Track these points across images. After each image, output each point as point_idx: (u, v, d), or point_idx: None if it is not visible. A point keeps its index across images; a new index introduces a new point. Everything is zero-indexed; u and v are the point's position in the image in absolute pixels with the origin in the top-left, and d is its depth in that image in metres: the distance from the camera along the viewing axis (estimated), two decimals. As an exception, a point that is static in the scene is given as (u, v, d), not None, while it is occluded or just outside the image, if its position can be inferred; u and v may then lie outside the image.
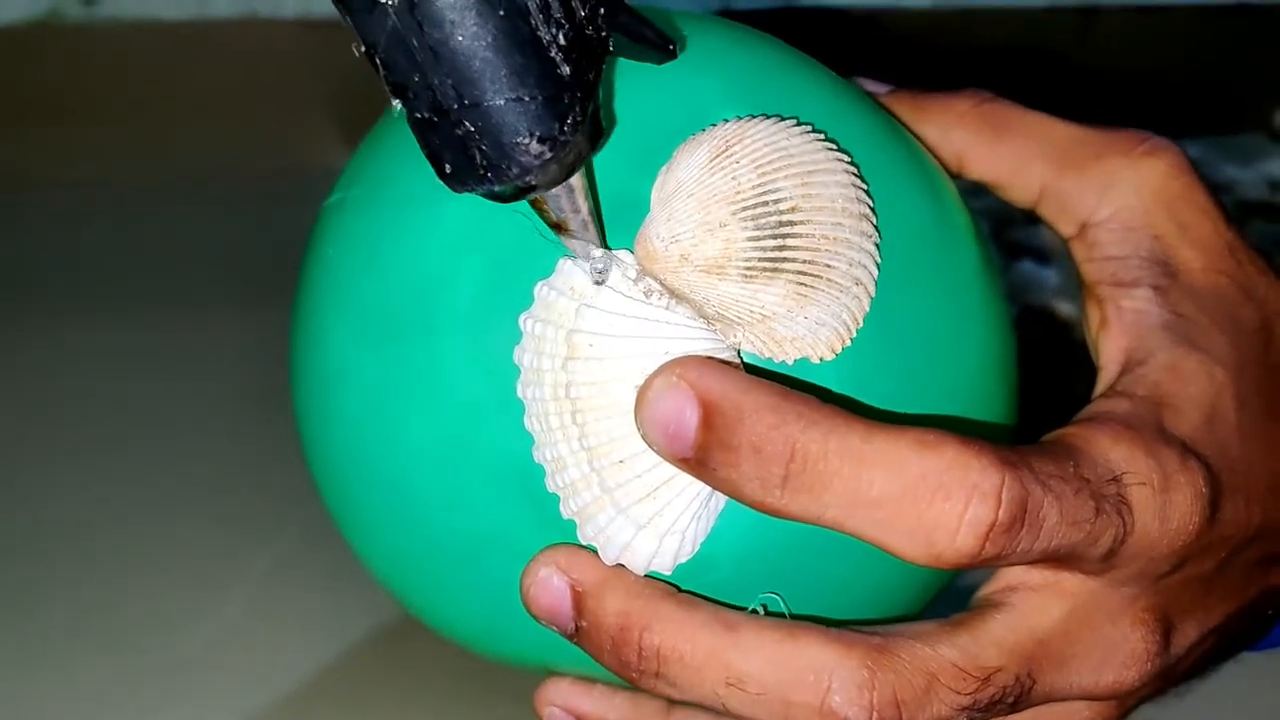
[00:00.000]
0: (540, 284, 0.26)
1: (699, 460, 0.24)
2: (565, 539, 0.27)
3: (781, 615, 0.27)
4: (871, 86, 0.33)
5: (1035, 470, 0.24)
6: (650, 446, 0.25)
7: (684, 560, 0.26)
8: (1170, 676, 0.29)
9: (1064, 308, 0.63)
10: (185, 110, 0.76)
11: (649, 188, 0.26)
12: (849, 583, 0.28)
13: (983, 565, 0.25)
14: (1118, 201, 0.30)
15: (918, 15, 0.85)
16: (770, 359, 0.26)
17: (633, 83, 0.27)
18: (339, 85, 0.79)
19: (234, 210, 0.76)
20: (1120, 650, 0.27)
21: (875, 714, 0.25)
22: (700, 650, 0.25)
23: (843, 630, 0.26)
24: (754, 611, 0.27)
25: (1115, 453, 0.26)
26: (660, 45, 0.26)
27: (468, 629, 0.30)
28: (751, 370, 0.26)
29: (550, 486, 0.27)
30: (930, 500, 0.24)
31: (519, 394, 0.26)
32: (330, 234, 0.30)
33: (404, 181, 0.28)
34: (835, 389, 0.26)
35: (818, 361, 0.26)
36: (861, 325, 0.26)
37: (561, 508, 0.27)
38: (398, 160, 0.29)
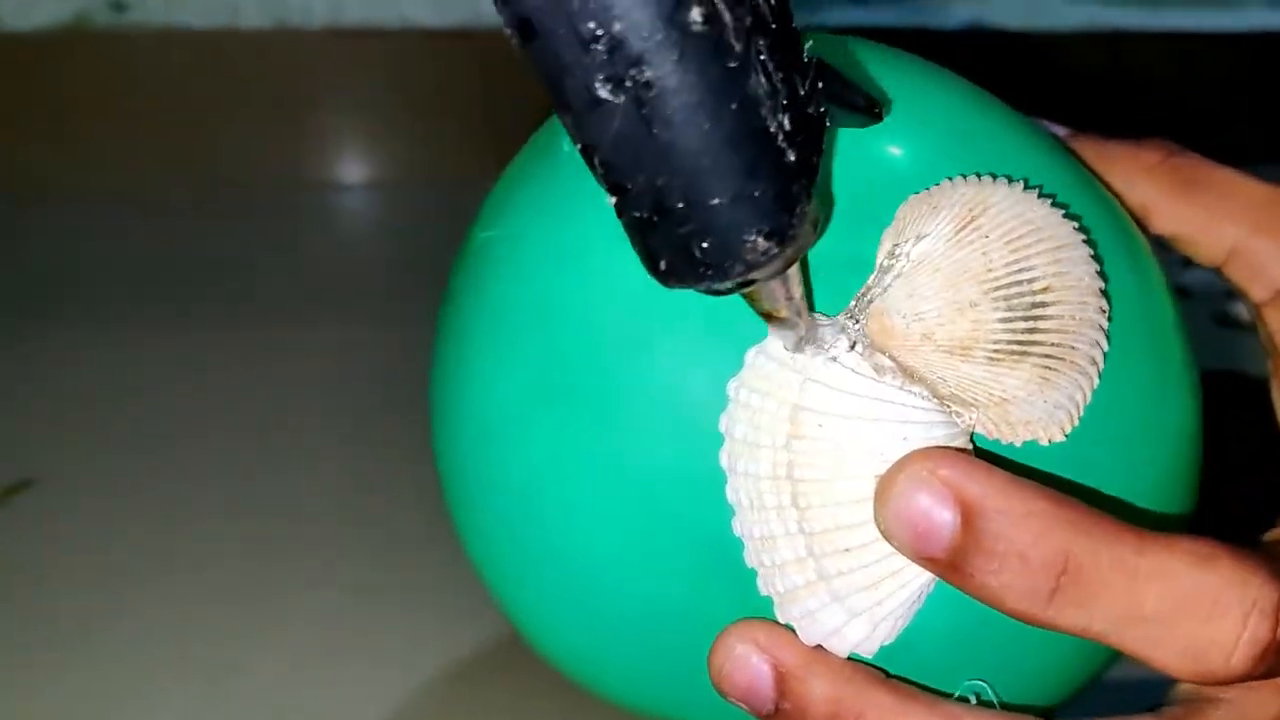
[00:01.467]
0: (753, 350, 0.25)
1: (952, 564, 0.23)
2: (755, 615, 0.25)
3: (991, 705, 0.26)
4: (1051, 129, 0.31)
5: None
6: (890, 542, 0.23)
7: (887, 643, 0.25)
8: None
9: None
10: (213, 117, 0.77)
11: (860, 246, 0.25)
12: (1039, 667, 0.27)
13: (1254, 679, 0.24)
14: None
15: (946, 36, 0.85)
16: (998, 439, 0.25)
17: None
18: (368, 94, 0.80)
19: (255, 217, 0.77)
20: None
21: None
22: None
23: None
24: (963, 699, 0.26)
25: None
26: (868, 110, 0.25)
27: (639, 695, 0.29)
28: (981, 452, 0.24)
29: (750, 562, 0.25)
30: (1207, 618, 0.23)
31: (722, 463, 0.25)
32: (493, 271, 0.28)
33: (581, 221, 0.26)
34: (1057, 472, 0.25)
35: (1046, 444, 0.25)
36: (1089, 405, 0.25)
37: (761, 585, 0.25)
38: (571, 196, 0.27)
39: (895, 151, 0.26)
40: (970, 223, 0.24)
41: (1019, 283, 0.24)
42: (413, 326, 0.68)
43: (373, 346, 0.65)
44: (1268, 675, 0.24)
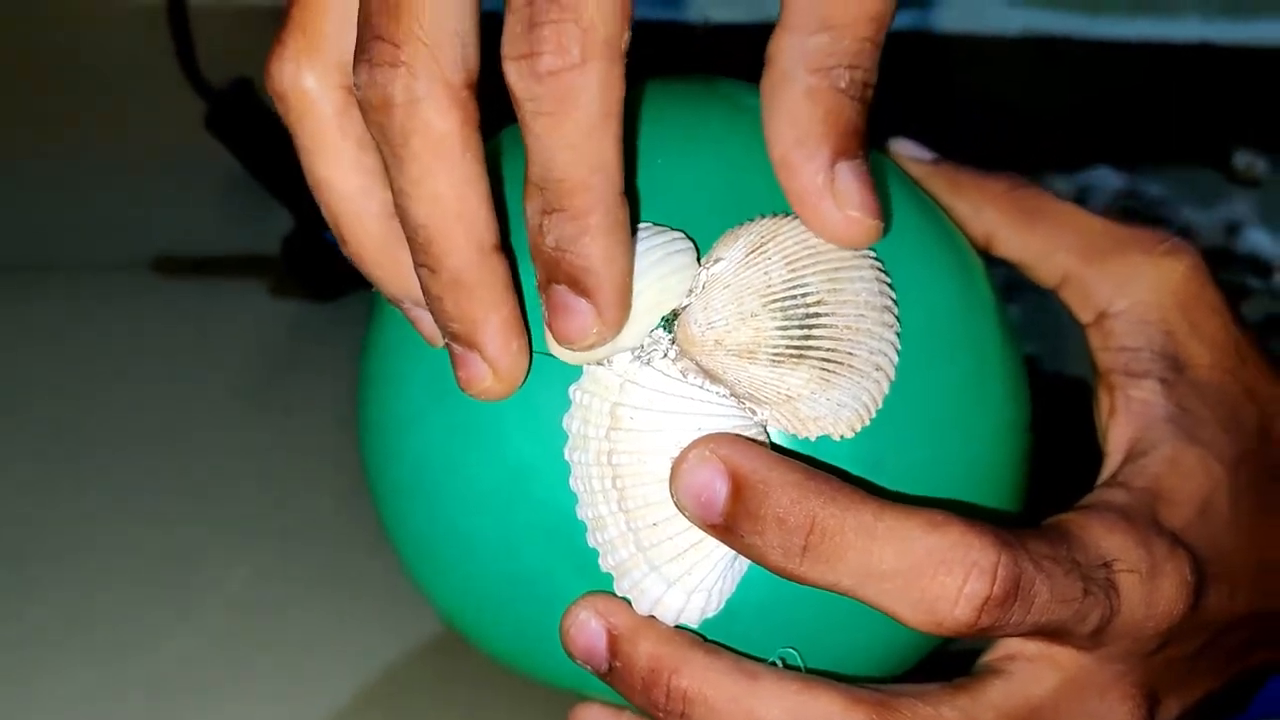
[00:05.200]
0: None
1: (727, 527, 0.27)
2: (603, 589, 0.30)
3: (798, 669, 0.30)
4: (914, 152, 0.35)
5: (1030, 551, 0.27)
6: (682, 512, 0.28)
7: (710, 615, 0.29)
8: None
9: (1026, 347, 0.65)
10: (158, 86, 0.77)
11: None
12: (854, 640, 0.31)
13: (980, 634, 0.27)
14: (1135, 295, 0.32)
15: (890, 37, 0.88)
16: (795, 435, 0.29)
17: (690, 168, 0.30)
18: None
19: (200, 191, 0.78)
20: None
21: None
22: (723, 696, 0.28)
23: (852, 686, 0.29)
24: (774, 664, 0.30)
25: (1108, 541, 0.28)
26: None
27: (510, 653, 0.33)
28: (776, 446, 0.28)
29: (591, 542, 0.29)
30: (934, 575, 0.26)
31: (566, 456, 0.29)
32: (388, 327, 0.33)
33: None
34: (853, 465, 0.29)
35: (838, 439, 0.29)
36: (881, 406, 0.29)
37: (600, 561, 0.30)
38: None
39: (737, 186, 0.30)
40: (759, 248, 0.28)
41: (794, 297, 0.28)
42: (342, 308, 0.71)
43: (287, 317, 0.69)
44: (995, 629, 0.27)
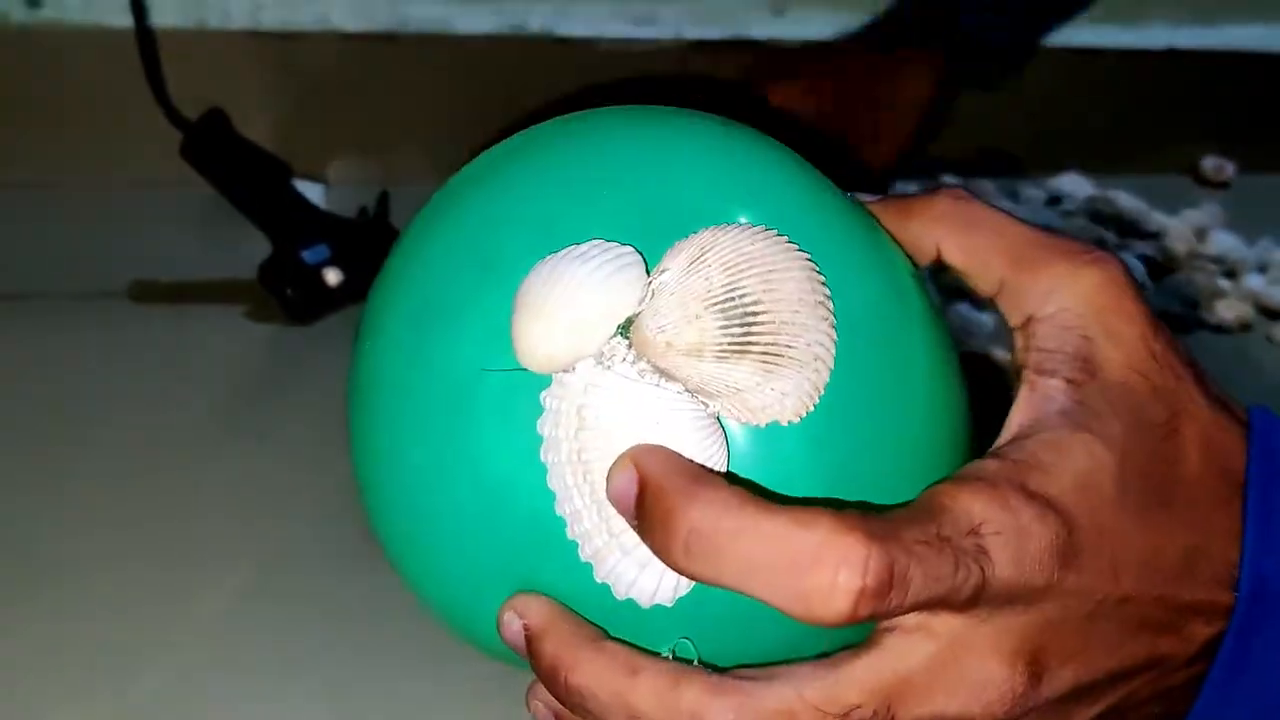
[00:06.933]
0: None
1: (639, 526, 0.30)
2: (587, 579, 0.32)
3: (688, 660, 0.32)
4: (864, 196, 0.38)
5: (900, 539, 0.29)
6: (616, 509, 0.31)
7: (683, 594, 0.32)
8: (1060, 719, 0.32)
9: (999, 353, 0.67)
10: (132, 115, 0.78)
11: None
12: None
13: (862, 622, 0.29)
14: (1059, 303, 0.34)
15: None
16: (747, 423, 0.31)
17: (637, 190, 0.33)
18: (288, 94, 0.83)
19: (175, 218, 0.78)
20: (988, 686, 0.31)
21: None
22: (607, 690, 0.32)
23: (721, 678, 0.31)
24: (666, 656, 0.32)
25: (975, 506, 0.30)
26: None
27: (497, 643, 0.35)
28: (731, 435, 0.31)
29: (570, 534, 0.32)
30: (807, 570, 0.28)
31: (542, 458, 0.32)
32: (376, 333, 0.36)
33: (435, 287, 0.34)
34: (802, 448, 0.32)
35: (786, 424, 0.31)
36: (824, 392, 0.32)
37: (579, 552, 0.32)
38: (430, 267, 0.35)
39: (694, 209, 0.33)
40: (700, 257, 0.31)
41: (732, 299, 0.31)
42: (320, 332, 0.71)
43: (272, 339, 0.69)
44: (875, 616, 0.28)
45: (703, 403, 0.31)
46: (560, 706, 0.34)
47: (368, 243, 0.74)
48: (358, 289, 0.72)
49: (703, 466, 0.30)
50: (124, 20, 0.78)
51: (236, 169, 0.77)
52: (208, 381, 0.66)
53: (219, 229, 0.76)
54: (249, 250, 0.74)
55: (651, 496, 0.30)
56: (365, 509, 0.37)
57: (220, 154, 0.78)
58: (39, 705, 0.44)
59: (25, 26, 0.79)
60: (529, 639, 0.33)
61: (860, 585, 0.28)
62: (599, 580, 0.32)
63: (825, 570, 0.28)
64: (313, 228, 0.74)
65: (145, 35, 0.77)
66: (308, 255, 0.72)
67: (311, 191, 0.80)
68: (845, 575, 0.28)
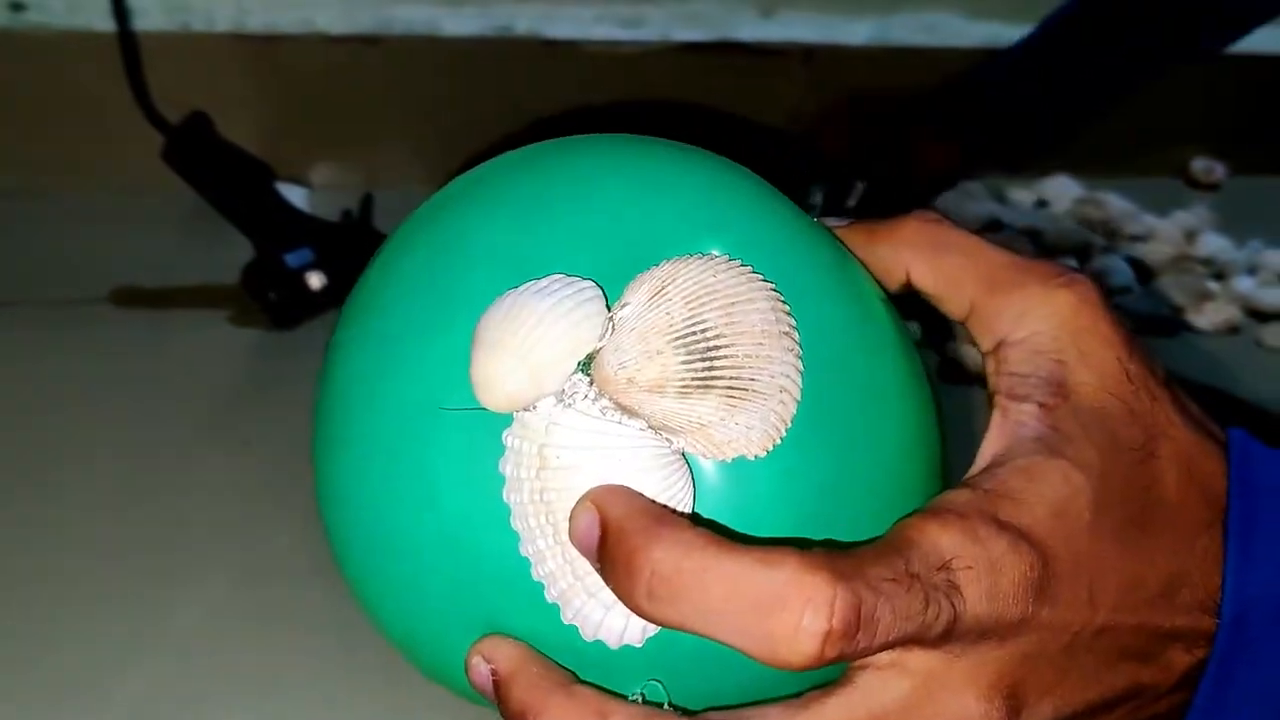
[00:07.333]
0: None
1: (602, 570, 0.30)
2: (554, 620, 0.32)
3: (659, 704, 0.32)
4: (832, 221, 0.37)
5: (867, 577, 0.28)
6: (579, 551, 0.30)
7: (652, 635, 0.31)
8: None
9: (971, 356, 0.67)
10: (116, 120, 0.78)
11: None
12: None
13: (829, 664, 0.28)
14: (1031, 326, 0.34)
15: (851, 52, 0.90)
16: (713, 458, 0.31)
17: (595, 222, 0.33)
18: (272, 97, 0.82)
19: (158, 222, 0.78)
20: None
21: None
22: None
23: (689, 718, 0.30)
24: (635, 698, 0.32)
25: (944, 540, 0.29)
26: None
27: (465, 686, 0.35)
28: (698, 470, 0.31)
29: (535, 576, 0.31)
30: (771, 612, 0.27)
31: (505, 499, 0.31)
32: (335, 370, 0.36)
33: (394, 322, 0.34)
34: (770, 482, 0.31)
35: (753, 458, 0.31)
36: (790, 425, 0.31)
37: (545, 594, 0.31)
38: (389, 301, 0.34)
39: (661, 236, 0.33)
40: (661, 291, 0.31)
41: (694, 333, 0.30)
42: (303, 336, 0.71)
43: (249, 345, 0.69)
44: (844, 658, 0.28)
45: (666, 439, 0.30)
46: None
47: (351, 246, 0.74)
48: (341, 293, 0.72)
49: (665, 507, 0.30)
50: (109, 24, 0.78)
51: (219, 172, 0.77)
52: (190, 387, 0.65)
53: (201, 233, 0.76)
54: (232, 255, 0.74)
55: (613, 539, 0.29)
56: (332, 552, 0.37)
57: (202, 157, 0.77)
58: (17, 715, 0.44)
59: (9, 30, 0.79)
60: (497, 684, 0.32)
61: (826, 628, 0.27)
62: (566, 621, 0.31)
63: (790, 612, 0.27)
64: (296, 231, 0.73)
65: (128, 38, 0.77)
66: (291, 259, 0.71)
67: (295, 195, 0.80)
68: (810, 617, 0.27)
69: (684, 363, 0.30)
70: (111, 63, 0.77)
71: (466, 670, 0.32)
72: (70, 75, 0.79)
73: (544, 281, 0.31)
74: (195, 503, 0.56)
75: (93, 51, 0.78)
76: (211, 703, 0.46)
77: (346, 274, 0.71)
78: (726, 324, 0.30)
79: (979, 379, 0.34)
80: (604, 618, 0.31)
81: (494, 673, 0.32)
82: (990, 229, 0.85)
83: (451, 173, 0.38)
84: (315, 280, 0.71)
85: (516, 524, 0.31)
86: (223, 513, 0.56)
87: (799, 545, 0.29)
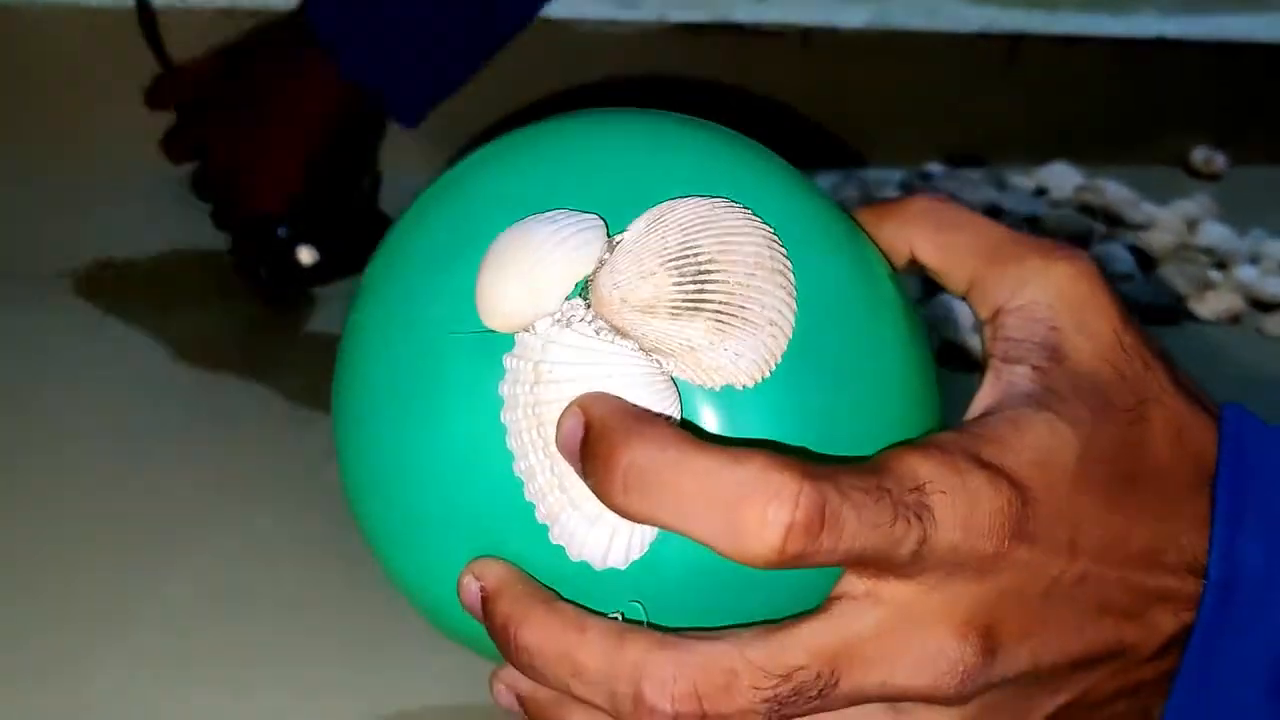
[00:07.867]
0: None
1: (583, 468, 0.30)
2: (544, 544, 0.32)
3: (639, 621, 0.32)
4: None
5: (836, 480, 0.28)
6: (562, 454, 0.31)
7: (635, 558, 0.32)
8: (1021, 706, 0.32)
9: (977, 343, 0.66)
10: (104, 96, 0.78)
11: None
12: (755, 586, 0.32)
13: (793, 563, 0.28)
14: (1029, 296, 0.34)
15: (849, 35, 0.90)
16: (702, 385, 0.31)
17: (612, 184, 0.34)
18: None
19: (147, 197, 0.78)
20: (938, 657, 0.30)
21: (674, 704, 0.30)
22: (555, 647, 0.32)
23: (666, 635, 0.31)
24: (614, 616, 0.32)
25: (922, 467, 0.30)
26: None
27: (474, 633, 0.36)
28: (688, 396, 0.32)
29: (527, 496, 0.32)
30: (739, 505, 0.28)
31: (502, 419, 0.32)
32: (359, 317, 0.37)
33: (410, 276, 0.35)
34: (758, 414, 0.32)
35: (740, 389, 0.31)
36: (780, 360, 0.31)
37: (535, 513, 0.32)
38: (404, 261, 0.36)
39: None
40: (658, 220, 0.32)
41: (686, 256, 0.31)
42: (293, 310, 0.70)
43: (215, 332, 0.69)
44: (806, 556, 0.28)
45: (656, 361, 0.31)
46: (520, 687, 0.34)
47: (349, 224, 0.74)
48: (331, 270, 0.71)
49: (648, 411, 0.30)
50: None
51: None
52: (178, 360, 0.65)
53: (191, 209, 0.76)
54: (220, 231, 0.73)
55: (595, 436, 0.30)
56: (343, 486, 0.37)
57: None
58: (2, 690, 0.44)
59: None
60: (484, 600, 0.33)
61: (789, 520, 0.28)
62: (554, 541, 0.32)
63: (755, 504, 0.28)
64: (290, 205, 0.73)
65: (144, 10, 0.77)
66: (281, 230, 0.71)
67: None
68: (775, 509, 0.28)
69: (675, 284, 0.31)
70: (99, 37, 0.77)
71: (459, 592, 0.33)
72: (53, 51, 0.79)
73: (551, 213, 0.32)
74: (181, 480, 0.56)
75: (82, 27, 0.78)
76: (197, 678, 0.46)
77: (339, 250, 0.71)
78: (720, 250, 0.31)
79: (981, 369, 0.35)
80: (588, 534, 0.31)
81: (482, 589, 0.33)
82: (990, 216, 0.85)
83: (451, 152, 0.38)
84: (306, 255, 0.71)
85: (511, 442, 0.32)
86: (210, 490, 0.56)
87: (774, 448, 0.29)
